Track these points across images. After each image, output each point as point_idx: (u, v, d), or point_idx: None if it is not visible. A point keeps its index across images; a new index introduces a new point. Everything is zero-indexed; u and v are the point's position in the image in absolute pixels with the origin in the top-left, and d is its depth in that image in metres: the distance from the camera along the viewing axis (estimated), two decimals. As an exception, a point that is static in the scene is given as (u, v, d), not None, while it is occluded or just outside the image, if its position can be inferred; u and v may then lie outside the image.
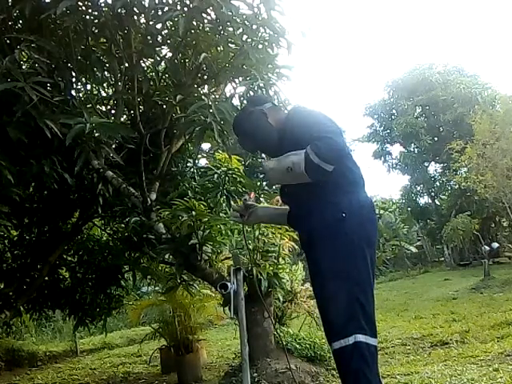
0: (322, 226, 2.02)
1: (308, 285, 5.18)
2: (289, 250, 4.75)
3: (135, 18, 3.35)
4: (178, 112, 3.84)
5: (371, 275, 2.04)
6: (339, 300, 1.95)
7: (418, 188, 24.93)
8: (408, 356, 5.24)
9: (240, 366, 3.81)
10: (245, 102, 2.65)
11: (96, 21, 3.24)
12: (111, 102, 4.09)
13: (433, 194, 24.46)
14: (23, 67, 3.15)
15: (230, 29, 3.35)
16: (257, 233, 4.35)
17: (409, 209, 24.40)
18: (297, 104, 2.40)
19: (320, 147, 1.92)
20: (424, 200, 25.20)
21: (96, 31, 3.29)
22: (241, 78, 3.76)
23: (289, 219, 2.29)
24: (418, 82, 23.02)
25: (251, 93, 3.65)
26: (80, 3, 3.11)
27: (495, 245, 18.56)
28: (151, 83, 3.76)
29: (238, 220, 2.46)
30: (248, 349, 2.50)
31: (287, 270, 4.86)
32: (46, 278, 5.14)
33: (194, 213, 3.66)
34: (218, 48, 3.61)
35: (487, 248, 17.53)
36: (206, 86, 4.00)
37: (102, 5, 3.22)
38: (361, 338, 1.92)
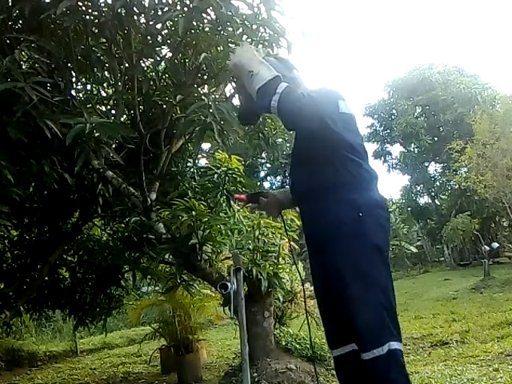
0: (337, 226, 1.86)
1: (308, 285, 5.17)
2: (289, 250, 4.74)
3: (135, 17, 3.34)
4: (178, 112, 3.84)
5: (391, 278, 1.90)
6: (366, 307, 1.80)
7: (418, 188, 24.98)
8: (408, 356, 5.24)
9: (240, 365, 3.82)
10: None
11: (96, 21, 3.23)
12: (111, 102, 4.09)
13: (433, 194, 24.50)
14: (23, 67, 3.14)
15: (230, 29, 3.35)
16: (257, 233, 4.35)
17: (409, 209, 24.43)
18: (323, 87, 2.17)
19: (293, 95, 1.77)
20: (424, 200, 25.31)
21: (96, 31, 3.28)
22: (241, 78, 3.75)
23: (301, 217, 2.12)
24: (418, 82, 23.07)
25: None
26: (80, 3, 3.11)
27: (495, 245, 18.58)
28: (151, 83, 3.75)
29: (254, 207, 2.38)
30: (248, 349, 2.50)
31: (287, 270, 4.85)
32: (46, 278, 5.14)
33: (193, 213, 3.66)
34: (218, 48, 3.61)
35: (487, 248, 17.56)
36: (206, 86, 4.00)
37: (102, 5, 3.21)
38: (395, 345, 1.80)
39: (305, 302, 3.32)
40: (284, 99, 1.78)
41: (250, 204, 2.38)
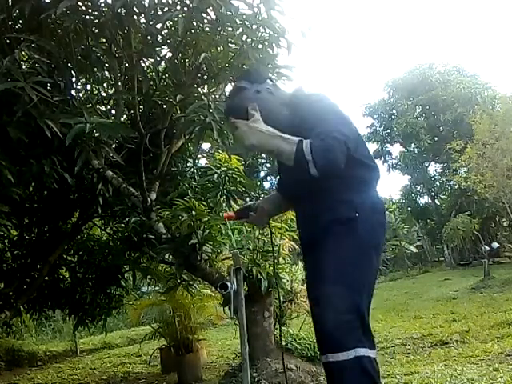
0: (332, 224, 1.82)
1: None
2: (289, 250, 4.74)
3: (135, 17, 3.35)
4: (178, 112, 3.85)
5: (373, 285, 1.88)
6: (338, 308, 1.75)
7: (418, 188, 24.97)
8: (408, 356, 5.24)
9: (240, 365, 3.81)
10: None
11: (96, 21, 3.24)
12: (111, 101, 4.09)
13: (433, 194, 24.49)
14: (23, 67, 3.15)
15: (230, 29, 3.35)
16: (257, 233, 4.35)
17: (409, 209, 24.42)
18: (300, 87, 2.07)
19: (319, 150, 1.70)
20: (424, 200, 25.27)
21: (96, 31, 3.29)
22: (241, 78, 3.75)
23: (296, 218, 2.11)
24: (418, 82, 23.06)
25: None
26: (80, 3, 3.12)
27: (495, 245, 18.57)
28: (151, 83, 3.76)
29: (243, 221, 2.39)
30: (248, 349, 2.50)
31: (287, 270, 4.85)
32: (46, 278, 5.14)
33: (194, 213, 3.66)
34: (218, 48, 3.62)
35: (487, 248, 17.55)
36: (206, 86, 4.00)
37: (102, 5, 3.22)
38: (362, 351, 1.72)
39: (279, 301, 3.31)
40: (318, 164, 1.72)
41: (240, 220, 2.40)
